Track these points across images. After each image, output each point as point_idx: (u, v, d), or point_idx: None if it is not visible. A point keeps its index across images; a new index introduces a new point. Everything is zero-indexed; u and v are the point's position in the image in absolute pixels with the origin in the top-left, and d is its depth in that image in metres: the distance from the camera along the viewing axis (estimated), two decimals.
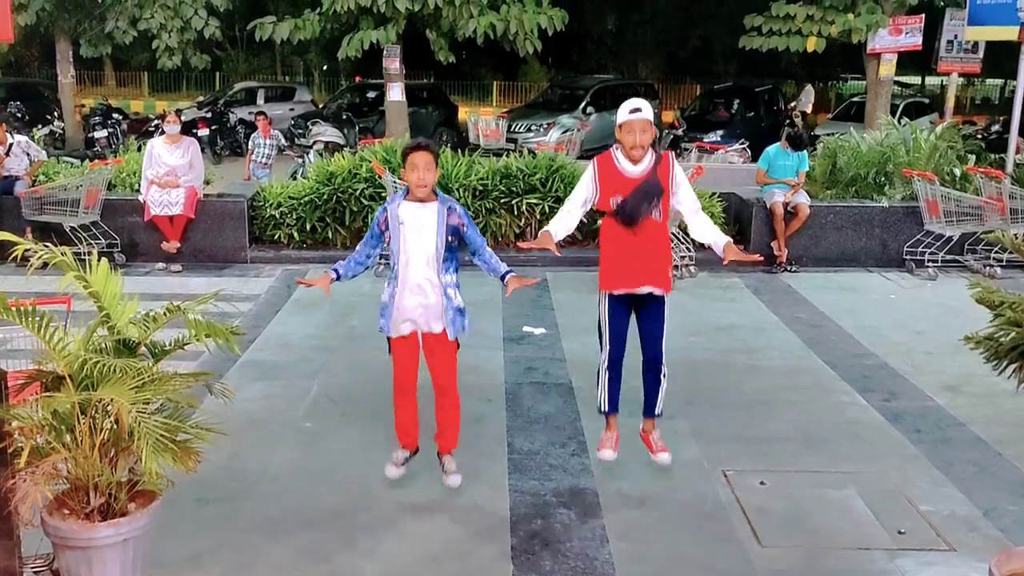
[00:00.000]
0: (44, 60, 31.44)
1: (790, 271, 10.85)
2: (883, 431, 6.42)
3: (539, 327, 8.57)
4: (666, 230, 5.48)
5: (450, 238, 5.15)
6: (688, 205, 5.47)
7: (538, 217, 10.97)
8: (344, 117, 21.20)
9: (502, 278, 5.26)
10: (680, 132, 20.23)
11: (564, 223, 5.50)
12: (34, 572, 4.25)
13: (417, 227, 5.10)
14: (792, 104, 23.40)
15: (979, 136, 17.08)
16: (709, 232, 5.46)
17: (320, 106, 25.54)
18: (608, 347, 5.49)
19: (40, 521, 4.04)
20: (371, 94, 24.12)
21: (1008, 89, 34.27)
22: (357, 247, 5.32)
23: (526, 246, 5.56)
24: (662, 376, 5.57)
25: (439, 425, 5.48)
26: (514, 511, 5.23)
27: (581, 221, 5.70)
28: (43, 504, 3.99)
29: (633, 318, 5.54)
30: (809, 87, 25.03)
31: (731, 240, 5.38)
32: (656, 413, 5.67)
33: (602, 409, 5.66)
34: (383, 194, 10.86)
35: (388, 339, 5.33)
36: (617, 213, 5.33)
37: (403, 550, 4.85)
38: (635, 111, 5.24)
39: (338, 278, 5.24)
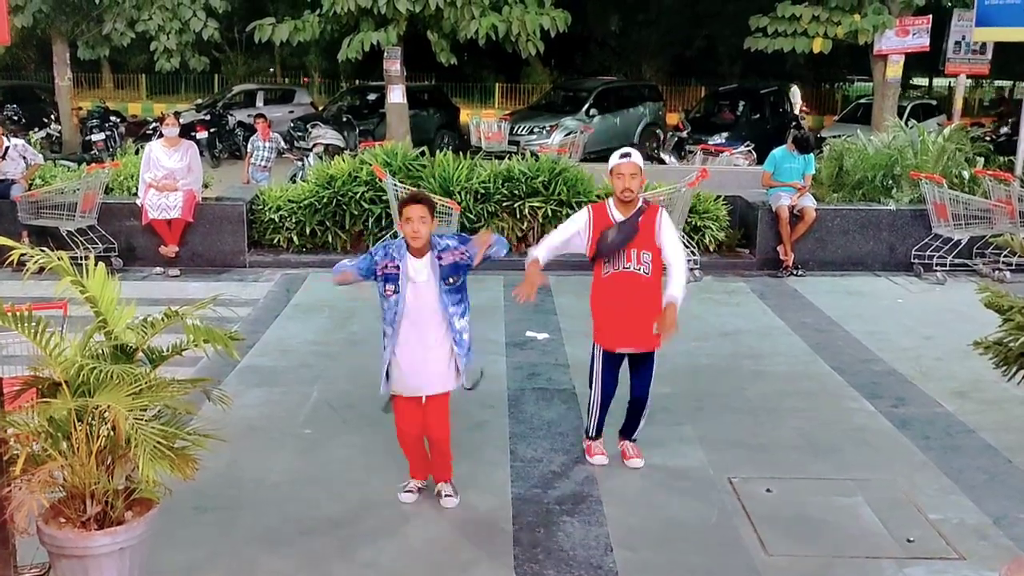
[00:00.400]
0: (41, 63, 31.42)
1: (796, 275, 10.84)
2: (891, 438, 6.41)
3: (542, 332, 8.56)
4: (657, 287, 5.53)
5: (451, 279, 5.04)
6: (668, 251, 5.45)
7: (540, 220, 10.97)
8: (344, 120, 21.21)
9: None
10: (684, 134, 20.21)
11: (545, 255, 5.60)
12: None
13: (420, 283, 5.00)
14: (802, 107, 23.38)
15: (987, 138, 17.05)
16: (672, 284, 5.34)
17: (320, 108, 25.56)
18: (599, 394, 5.79)
19: (36, 530, 4.04)
20: (372, 96, 24.14)
21: (1017, 91, 34.28)
22: (356, 262, 5.15)
23: (523, 297, 5.36)
24: (643, 412, 5.87)
25: (433, 462, 5.41)
26: (517, 519, 5.22)
27: None
28: (39, 512, 3.99)
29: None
30: (795, 88, 24.92)
31: (676, 303, 5.22)
32: (633, 438, 5.98)
33: (590, 434, 5.95)
34: (384, 197, 10.86)
35: (391, 396, 5.22)
36: (598, 246, 5.52)
37: (404, 559, 4.84)
38: (624, 156, 5.51)
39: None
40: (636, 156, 5.51)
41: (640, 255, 5.45)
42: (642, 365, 5.71)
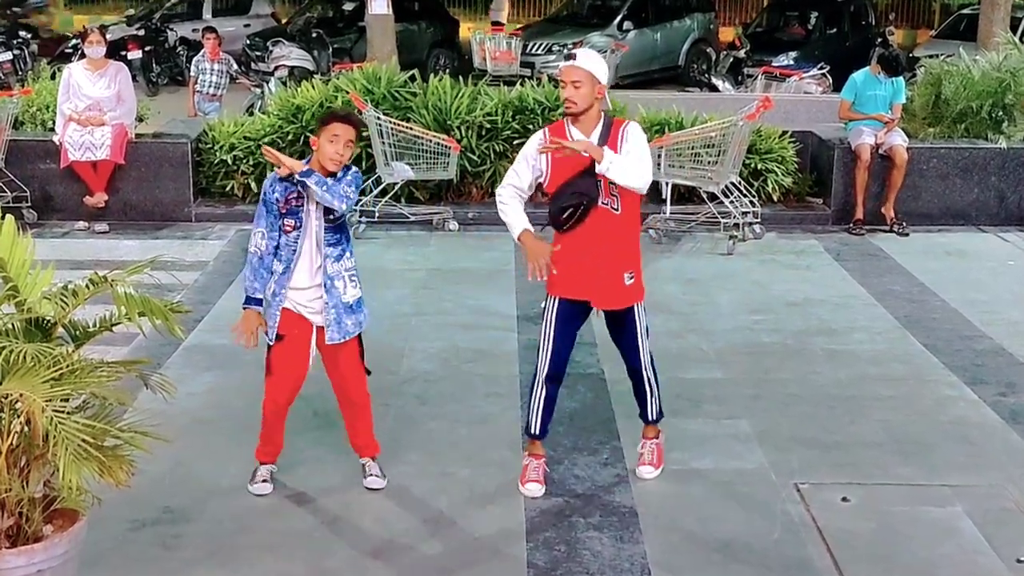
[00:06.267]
0: None
1: (897, 232, 10.67)
2: (998, 433, 6.42)
3: None
4: (630, 228, 5.50)
5: (331, 216, 5.29)
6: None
7: None
8: (314, 35, 21.11)
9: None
10: (742, 54, 20.08)
11: (523, 218, 5.52)
12: None
13: (315, 214, 5.27)
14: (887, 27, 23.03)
15: None
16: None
17: (283, 21, 25.46)
18: (546, 362, 5.61)
19: None
20: (348, 6, 24.03)
21: None
22: (258, 252, 5.36)
23: (539, 274, 5.40)
24: (646, 384, 5.75)
25: (355, 434, 5.68)
26: (532, 534, 5.25)
27: None
28: None
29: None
30: None
31: (601, 150, 5.24)
32: (650, 419, 5.86)
33: (532, 431, 5.72)
34: (364, 133, 10.81)
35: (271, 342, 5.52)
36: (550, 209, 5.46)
37: None
38: (568, 58, 5.36)
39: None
40: (584, 59, 5.30)
41: (609, 186, 5.30)
42: (620, 327, 5.64)
